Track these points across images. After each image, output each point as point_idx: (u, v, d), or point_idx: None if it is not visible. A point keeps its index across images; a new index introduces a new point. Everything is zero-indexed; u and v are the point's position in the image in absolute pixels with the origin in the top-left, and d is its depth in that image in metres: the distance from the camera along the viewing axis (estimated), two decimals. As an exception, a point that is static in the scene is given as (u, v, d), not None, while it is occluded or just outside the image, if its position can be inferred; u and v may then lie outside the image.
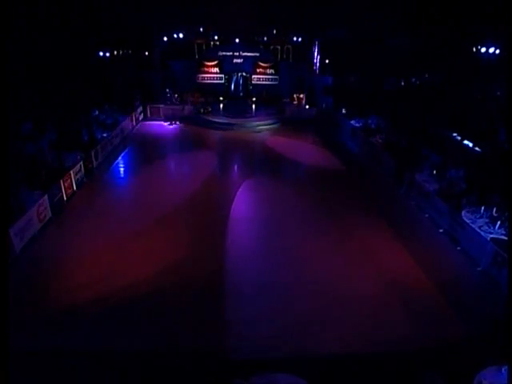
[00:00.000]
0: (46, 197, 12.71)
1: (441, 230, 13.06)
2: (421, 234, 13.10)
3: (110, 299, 9.25)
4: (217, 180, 16.84)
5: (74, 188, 15.08)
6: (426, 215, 14.09)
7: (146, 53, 29.21)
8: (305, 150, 21.38)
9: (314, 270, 10.72)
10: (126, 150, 20.53)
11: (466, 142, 18.97)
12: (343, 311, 9.18)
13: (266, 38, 29.57)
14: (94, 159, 17.28)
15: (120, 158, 19.45)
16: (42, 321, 8.47)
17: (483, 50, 25.43)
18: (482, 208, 12.34)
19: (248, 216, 13.75)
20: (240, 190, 15.78)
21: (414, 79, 31.77)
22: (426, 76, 31.12)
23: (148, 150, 20.84)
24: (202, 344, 8.04)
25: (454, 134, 19.99)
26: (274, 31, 29.14)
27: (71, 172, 14.88)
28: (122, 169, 18.28)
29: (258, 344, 8.04)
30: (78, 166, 15.70)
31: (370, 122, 22.47)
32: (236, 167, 19.65)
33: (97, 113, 22.25)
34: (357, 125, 23.15)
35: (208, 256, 11.16)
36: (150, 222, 12.95)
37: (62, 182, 14.01)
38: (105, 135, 19.46)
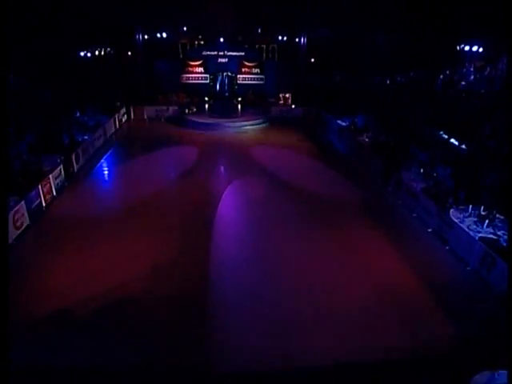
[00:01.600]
0: (22, 203, 12.17)
1: (429, 230, 12.93)
2: (409, 234, 12.94)
3: (85, 308, 8.82)
4: (203, 182, 16.43)
5: (54, 193, 14.55)
6: (414, 215, 13.96)
7: (129, 53, 28.61)
8: (290, 150, 21.09)
9: (300, 273, 10.44)
10: (109, 153, 20.02)
11: (452, 140, 18.96)
12: (331, 317, 8.89)
13: (250, 38, 29.21)
14: (74, 163, 16.75)
15: (102, 160, 18.94)
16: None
17: (467, 48, 25.62)
18: (470, 207, 12.24)
19: (233, 220, 13.43)
20: (225, 192, 15.44)
21: (399, 77, 31.84)
22: (411, 74, 31.20)
23: (131, 153, 20.39)
24: (185, 356, 7.68)
25: (441, 132, 19.97)
26: (259, 30, 28.83)
27: (50, 176, 14.35)
28: (104, 172, 17.82)
29: (243, 356, 7.71)
30: (58, 169, 15.16)
31: (356, 120, 22.35)
32: (222, 169, 19.31)
33: (78, 114, 21.70)
34: (343, 124, 23.02)
35: (191, 263, 10.80)
36: (132, 226, 12.51)
37: (40, 186, 13.48)
38: (86, 138, 18.91)
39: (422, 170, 15.75)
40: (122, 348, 7.80)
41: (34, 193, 13.11)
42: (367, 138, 20.23)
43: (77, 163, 17.04)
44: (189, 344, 7.90)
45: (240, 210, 14.23)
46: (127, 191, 15.64)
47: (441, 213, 12.54)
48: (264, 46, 30.21)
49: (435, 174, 14.91)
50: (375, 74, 31.59)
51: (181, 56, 29.22)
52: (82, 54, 24.75)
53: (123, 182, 16.84)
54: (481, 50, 24.67)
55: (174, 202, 14.47)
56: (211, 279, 10.07)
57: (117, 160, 19.75)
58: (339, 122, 23.52)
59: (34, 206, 12.95)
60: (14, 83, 20.28)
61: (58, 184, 14.97)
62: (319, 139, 23.27)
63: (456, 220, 11.81)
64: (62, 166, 15.47)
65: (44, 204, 13.66)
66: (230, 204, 14.60)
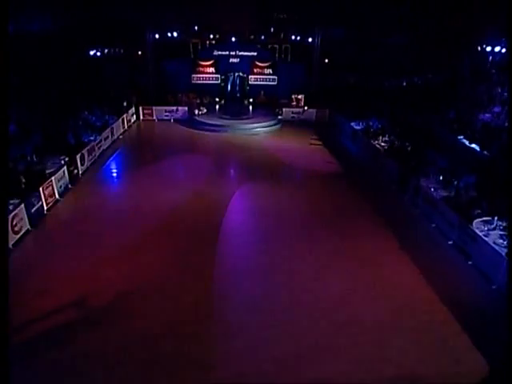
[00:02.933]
0: (22, 206, 11.71)
1: (450, 242, 12.08)
2: (428, 246, 12.10)
3: (85, 323, 8.27)
4: (210, 186, 15.79)
5: (57, 196, 14.10)
6: (433, 225, 13.11)
7: (140, 52, 28.21)
8: (303, 154, 20.35)
9: (311, 289, 9.74)
10: (116, 154, 19.54)
11: (473, 145, 18.01)
12: (344, 337, 8.19)
13: (263, 37, 28.55)
14: (79, 164, 16.28)
15: (109, 162, 18.47)
16: None
17: (488, 48, 24.58)
18: (495, 219, 11.35)
19: (241, 227, 12.77)
20: (234, 197, 14.82)
21: (416, 79, 30.86)
22: (429, 76, 30.18)
23: (138, 154, 19.93)
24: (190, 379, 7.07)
25: (460, 137, 19.02)
26: (272, 29, 28.14)
27: (53, 178, 13.88)
28: (110, 174, 17.34)
29: (250, 377, 7.07)
30: (61, 171, 14.70)
31: (371, 123, 21.50)
32: (231, 172, 18.68)
33: (86, 114, 21.29)
34: (358, 127, 22.19)
35: (194, 275, 10.18)
36: (135, 233, 11.97)
37: (41, 189, 13.01)
38: (92, 138, 18.46)
39: (441, 177, 14.90)
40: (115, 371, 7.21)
41: (34, 196, 12.65)
42: (383, 141, 19.37)
43: (82, 165, 16.58)
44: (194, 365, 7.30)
45: (248, 217, 13.53)
46: (133, 195, 15.09)
47: (463, 224, 11.69)
48: (277, 46, 29.54)
49: (456, 182, 14.03)
50: (391, 76, 30.72)
51: (192, 56, 28.67)
52: (91, 52, 24.33)
53: (129, 186, 16.31)
54: (503, 50, 23.65)
55: (180, 208, 13.83)
56: (216, 294, 9.43)
57: (124, 162, 19.27)
58: (353, 124, 22.68)
59: (34, 209, 12.48)
60: (20, 82, 20.01)
61: (61, 186, 14.51)
62: (332, 142, 22.48)
63: (480, 233, 10.94)
64: (65, 168, 15.01)
65: (45, 207, 13.20)
66: (238, 210, 13.94)
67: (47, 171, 14.30)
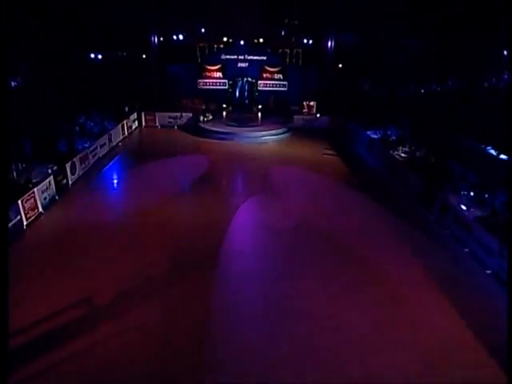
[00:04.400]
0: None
1: (488, 272, 10.29)
2: (461, 275, 10.29)
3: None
4: (213, 201, 14.21)
5: (40, 209, 12.64)
6: (467, 250, 11.33)
7: (144, 56, 27.00)
8: (315, 165, 18.68)
9: (324, 330, 8.04)
10: (112, 163, 18.12)
11: (502, 156, 16.20)
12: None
13: (273, 41, 27.11)
14: (69, 173, 14.86)
15: (103, 171, 17.05)
16: None
17: (516, 53, 22.77)
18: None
19: (242, 250, 11.09)
20: (238, 212, 13.22)
21: (434, 86, 29.11)
22: (450, 83, 28.41)
23: (137, 163, 18.42)
24: None
25: (488, 148, 17.22)
26: (283, 33, 26.70)
27: (35, 190, 12.43)
28: (103, 185, 15.80)
29: None
30: (47, 181, 13.27)
31: (389, 132, 19.81)
32: (236, 185, 17.11)
33: (83, 119, 19.98)
34: (374, 136, 20.52)
35: (185, 313, 8.56)
36: (124, 254, 10.43)
37: (20, 202, 11.56)
38: (86, 145, 17.10)
39: (472, 193, 13.15)
40: None
41: (12, 209, 11.20)
42: (402, 152, 17.66)
43: (72, 174, 15.17)
44: None
45: (252, 238, 11.86)
46: (126, 209, 13.58)
47: (504, 250, 9.90)
48: (288, 51, 28.07)
49: (491, 200, 12.26)
50: (408, 83, 29.06)
51: (198, 60, 27.36)
52: (92, 55, 23.13)
53: (124, 198, 14.88)
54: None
55: (177, 225, 12.26)
56: (210, 338, 7.76)
57: (120, 171, 17.82)
58: (370, 133, 21.02)
59: (11, 224, 11.03)
60: (17, 84, 18.84)
61: (45, 198, 13.06)
62: (347, 152, 20.82)
63: (528, 263, 9.15)
64: (52, 178, 13.58)
65: (25, 222, 11.73)
66: (241, 229, 12.28)
67: (33, 181, 12.93)
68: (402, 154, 17.45)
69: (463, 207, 12.23)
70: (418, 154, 16.67)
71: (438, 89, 28.65)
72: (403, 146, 18.06)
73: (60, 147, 16.02)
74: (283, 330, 7.97)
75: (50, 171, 13.89)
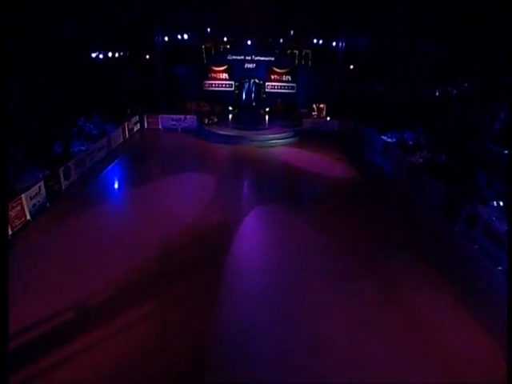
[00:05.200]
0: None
1: (528, 294, 9.03)
2: (493, 296, 9.08)
3: None
4: (217, 210, 13.08)
5: (28, 217, 11.60)
6: (500, 268, 10.09)
7: (147, 56, 26.06)
8: (326, 171, 17.52)
9: (340, 355, 6.89)
10: (111, 167, 17.08)
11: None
12: None
13: (282, 41, 26.03)
14: (62, 178, 13.83)
15: (101, 176, 16.01)
16: None
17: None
18: None
19: (249, 266, 9.95)
20: (244, 223, 12.08)
21: (450, 88, 27.82)
22: (466, 85, 27.12)
23: (137, 168, 17.43)
24: None
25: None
26: (292, 32, 25.60)
27: (22, 196, 11.40)
28: (99, 191, 14.66)
29: None
30: (37, 187, 12.23)
31: (406, 137, 18.57)
32: (242, 191, 15.95)
33: (82, 121, 18.98)
34: (389, 140, 19.30)
35: (188, 335, 7.43)
36: (122, 274, 9.32)
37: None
38: (83, 148, 16.09)
39: (501, 204, 11.90)
40: None
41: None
42: (421, 158, 16.42)
43: (66, 179, 14.14)
44: None
45: (259, 252, 10.66)
46: (123, 218, 12.55)
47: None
48: (296, 52, 26.96)
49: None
50: (422, 85, 27.82)
51: (204, 60, 26.35)
52: (93, 55, 22.21)
53: (120, 206, 13.79)
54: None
55: (176, 239, 11.12)
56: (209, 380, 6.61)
57: (118, 176, 16.75)
58: (384, 137, 19.81)
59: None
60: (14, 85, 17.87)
61: (35, 205, 12.03)
62: (359, 157, 19.62)
63: None
64: (42, 183, 12.55)
65: (10, 232, 10.69)
66: (248, 242, 11.10)
67: (23, 186, 11.92)
68: (421, 160, 16.21)
69: (493, 219, 11.00)
70: (438, 159, 15.40)
71: (454, 91, 27.45)
72: (421, 151, 16.83)
73: (55, 150, 15.03)
74: (299, 361, 6.81)
75: (41, 175, 12.87)
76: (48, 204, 12.73)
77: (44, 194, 12.59)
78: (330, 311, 8.28)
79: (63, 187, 13.89)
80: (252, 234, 11.70)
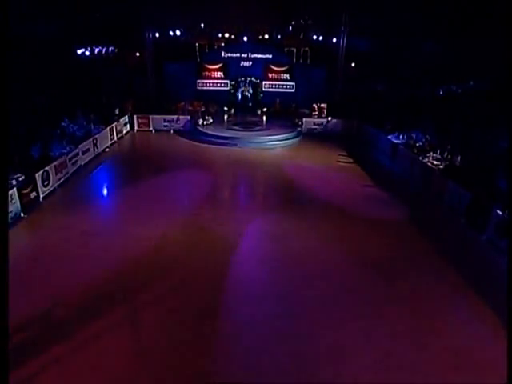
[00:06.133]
0: None
1: None
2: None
3: None
4: (213, 220, 11.65)
5: (-3, 230, 10.06)
6: (542, 284, 8.78)
7: (137, 53, 24.61)
8: (331, 175, 16.25)
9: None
10: (96, 172, 15.60)
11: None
12: None
13: (280, 37, 24.76)
14: (40, 185, 12.31)
15: (84, 182, 14.51)
16: None
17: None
18: None
19: (254, 286, 8.55)
20: (245, 236, 10.67)
21: (454, 87, 26.73)
22: (471, 83, 26.04)
23: (125, 173, 15.97)
24: None
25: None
26: (290, 28, 24.32)
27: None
28: (82, 199, 13.07)
29: None
30: (9, 195, 10.70)
31: (415, 137, 17.30)
32: (241, 199, 14.58)
33: (66, 122, 17.44)
34: (397, 141, 18.02)
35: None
36: (105, 295, 7.92)
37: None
38: (65, 151, 14.59)
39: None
40: None
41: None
42: (434, 159, 15.15)
43: (45, 186, 12.62)
44: None
45: (264, 270, 9.22)
46: (106, 230, 11.03)
47: None
48: (294, 50, 25.71)
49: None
50: (423, 84, 26.71)
51: (197, 59, 24.97)
52: (79, 51, 20.71)
53: (105, 215, 12.33)
54: None
55: (167, 255, 9.72)
56: None
57: (104, 182, 15.31)
58: (391, 138, 18.53)
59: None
60: None
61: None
62: (365, 159, 18.31)
63: None
64: (15, 190, 11.02)
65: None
66: (250, 259, 9.69)
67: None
68: (435, 162, 14.94)
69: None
70: (455, 161, 14.14)
71: (459, 90, 26.39)
72: (434, 152, 15.55)
73: (33, 153, 13.50)
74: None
75: (14, 182, 11.36)
76: (22, 214, 11.21)
77: (18, 203, 11.07)
78: (352, 338, 6.89)
79: (41, 195, 12.36)
80: (254, 245, 10.32)
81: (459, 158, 14.40)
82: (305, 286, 8.53)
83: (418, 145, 16.81)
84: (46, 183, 12.67)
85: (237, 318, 7.45)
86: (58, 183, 13.54)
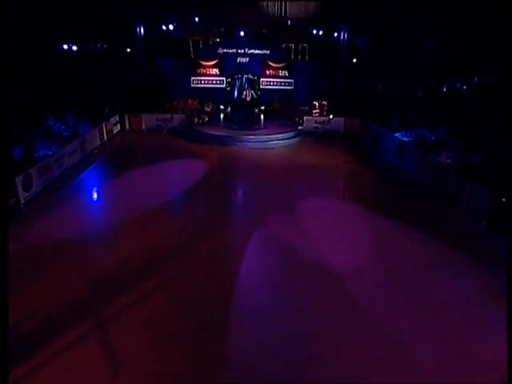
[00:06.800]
0: None
1: None
2: None
3: None
4: (211, 229, 10.58)
5: (-31, 242, 8.90)
6: None
7: (128, 49, 23.43)
8: (338, 176, 15.39)
9: None
10: (84, 175, 14.44)
11: None
12: None
13: (278, 32, 23.69)
14: (20, 190, 11.14)
15: (70, 186, 13.32)
16: None
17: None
18: None
19: (263, 309, 7.48)
20: (249, 248, 9.59)
21: (458, 84, 25.90)
22: (475, 79, 25.21)
23: (114, 175, 14.77)
24: None
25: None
26: (289, 22, 23.26)
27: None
28: (67, 205, 11.86)
29: None
30: (-17, 202, 9.54)
31: (425, 134, 16.36)
32: (241, 205, 13.48)
33: (51, 121, 16.26)
34: (405, 139, 17.08)
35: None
36: (90, 315, 6.82)
37: None
38: (50, 153, 13.43)
39: None
40: None
41: None
42: (448, 158, 14.21)
43: (26, 190, 11.45)
44: None
45: (269, 286, 8.19)
46: (96, 241, 9.93)
47: None
48: (292, 45, 24.67)
49: None
50: (425, 81, 25.87)
51: (192, 55, 23.85)
52: (65, 46, 19.50)
53: (92, 222, 11.17)
54: None
55: (159, 270, 8.62)
56: None
57: (92, 185, 14.11)
58: (397, 135, 17.60)
59: None
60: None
61: (-20, 226, 9.32)
62: (371, 159, 17.37)
63: None
64: (-8, 197, 9.85)
65: None
66: (256, 276, 8.61)
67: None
68: (448, 161, 14.00)
69: None
70: (472, 160, 13.19)
71: (464, 87, 25.57)
72: (446, 151, 14.62)
73: (14, 154, 12.33)
74: None
75: (-10, 187, 10.17)
76: None
77: (-6, 210, 9.89)
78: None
79: (22, 201, 11.19)
80: (260, 258, 9.27)
81: (476, 156, 13.48)
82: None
83: (428, 143, 15.88)
84: (27, 188, 11.50)
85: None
86: (42, 187, 12.36)
